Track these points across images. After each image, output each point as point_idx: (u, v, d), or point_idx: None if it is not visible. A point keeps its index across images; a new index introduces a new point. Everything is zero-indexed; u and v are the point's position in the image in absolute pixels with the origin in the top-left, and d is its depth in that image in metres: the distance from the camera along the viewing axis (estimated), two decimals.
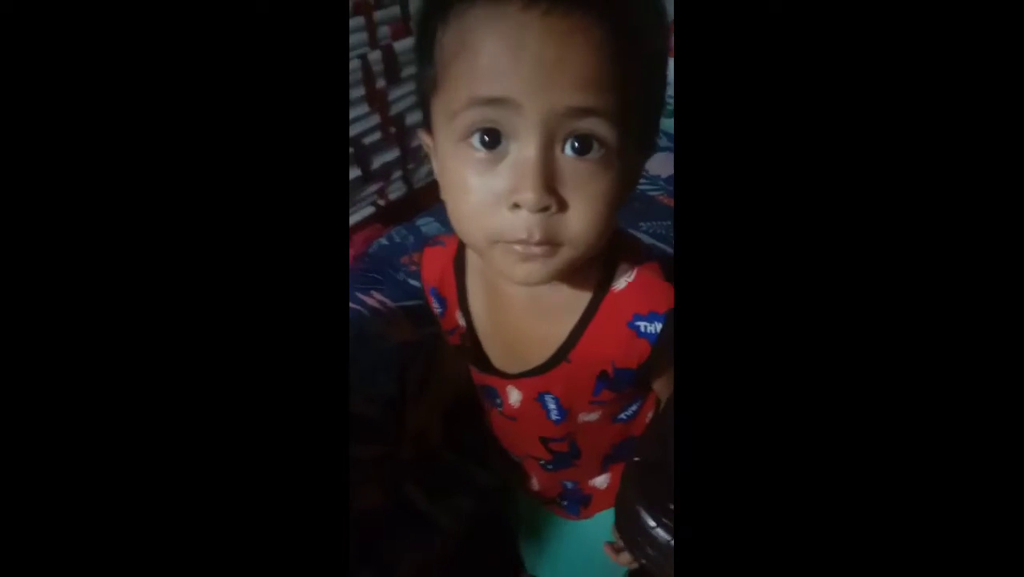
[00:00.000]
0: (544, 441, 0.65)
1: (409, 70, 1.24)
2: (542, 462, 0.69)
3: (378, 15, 1.15)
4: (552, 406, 0.61)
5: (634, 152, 0.44)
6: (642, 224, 1.17)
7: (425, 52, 0.42)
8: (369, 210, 1.28)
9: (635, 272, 0.54)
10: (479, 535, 0.77)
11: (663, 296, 0.53)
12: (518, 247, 0.42)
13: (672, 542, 0.47)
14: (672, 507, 0.48)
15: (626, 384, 0.57)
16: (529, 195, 0.39)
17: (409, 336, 0.93)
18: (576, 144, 0.40)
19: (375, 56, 1.17)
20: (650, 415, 0.67)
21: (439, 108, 0.42)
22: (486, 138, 0.40)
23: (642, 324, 0.53)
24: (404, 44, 1.21)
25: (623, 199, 0.45)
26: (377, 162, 1.26)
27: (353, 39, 1.13)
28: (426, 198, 1.30)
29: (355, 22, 1.12)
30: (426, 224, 1.19)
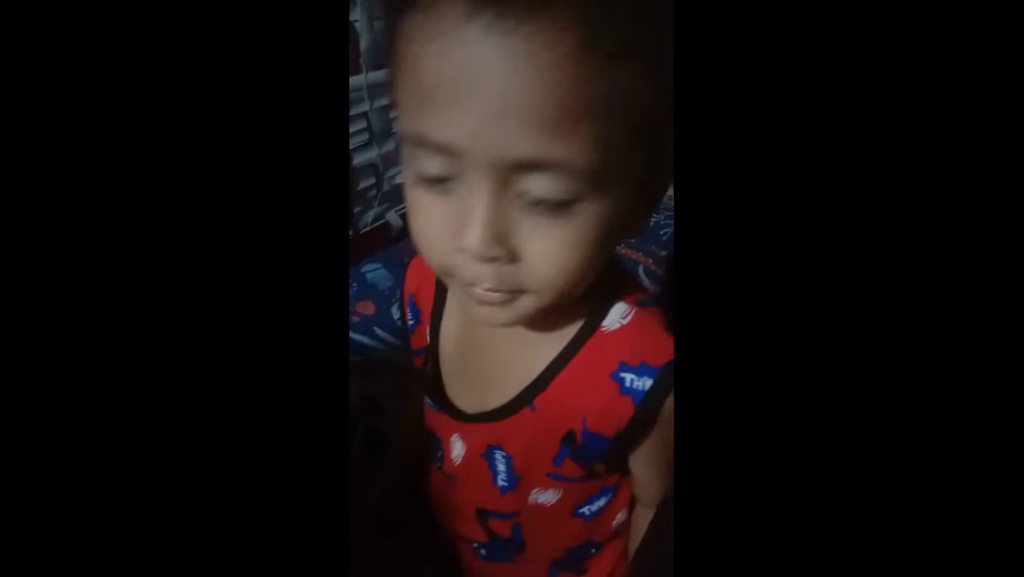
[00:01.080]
0: (482, 515, 0.53)
1: (359, 107, 1.17)
2: (475, 545, 0.56)
3: None
4: (502, 467, 0.49)
5: (626, 189, 0.35)
6: None
7: (385, 52, 0.35)
8: None
9: (633, 313, 0.44)
10: None
11: (661, 347, 0.43)
12: (472, 289, 0.36)
13: None
14: None
15: (595, 457, 0.47)
16: (471, 245, 0.33)
17: (352, 395, 0.83)
18: (532, 204, 0.32)
19: None
20: (620, 517, 0.54)
21: (400, 121, 0.35)
22: (433, 185, 0.34)
23: (628, 377, 0.43)
24: (353, 81, 1.14)
25: (608, 245, 0.36)
26: None
27: None
28: (372, 243, 1.22)
29: None
30: (372, 271, 1.11)
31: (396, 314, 1.05)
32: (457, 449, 0.51)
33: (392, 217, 1.29)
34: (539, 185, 0.31)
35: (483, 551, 0.57)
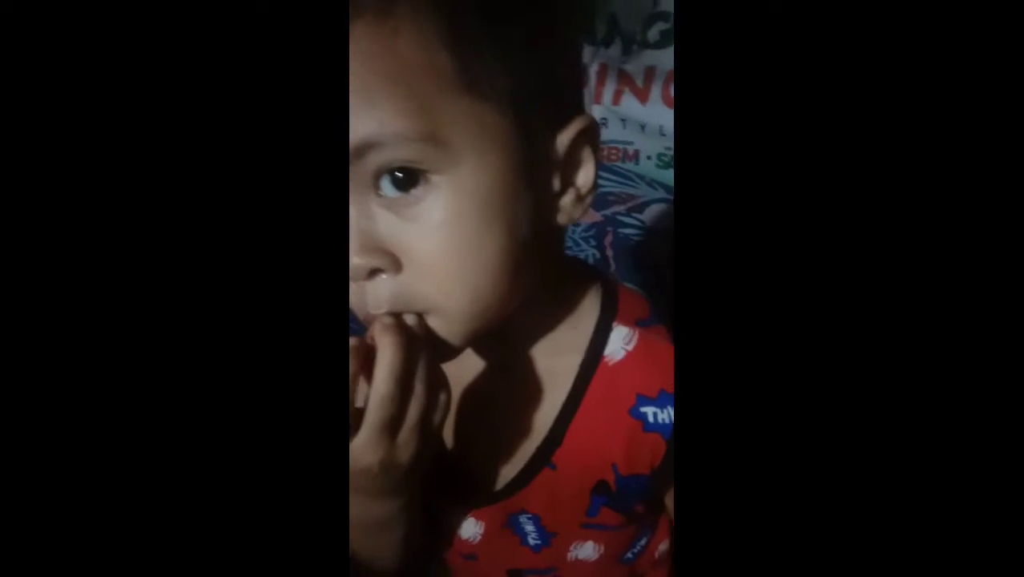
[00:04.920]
0: (517, 575, 0.48)
1: None
2: None
3: None
4: (530, 528, 0.45)
5: (485, 160, 0.31)
6: None
7: None
8: None
9: (636, 336, 0.40)
10: None
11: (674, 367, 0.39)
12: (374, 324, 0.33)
13: None
14: None
15: (634, 499, 0.42)
16: (352, 263, 0.31)
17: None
18: (395, 182, 0.30)
19: None
20: (662, 547, 0.50)
21: None
22: None
23: (650, 411, 0.39)
24: None
25: (502, 228, 0.32)
26: None
27: None
28: None
29: None
30: None
31: None
32: (470, 529, 0.46)
33: None
34: (377, 159, 0.30)
35: None
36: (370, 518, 0.38)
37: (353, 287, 0.32)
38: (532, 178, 0.33)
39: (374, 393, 0.32)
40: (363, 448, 0.33)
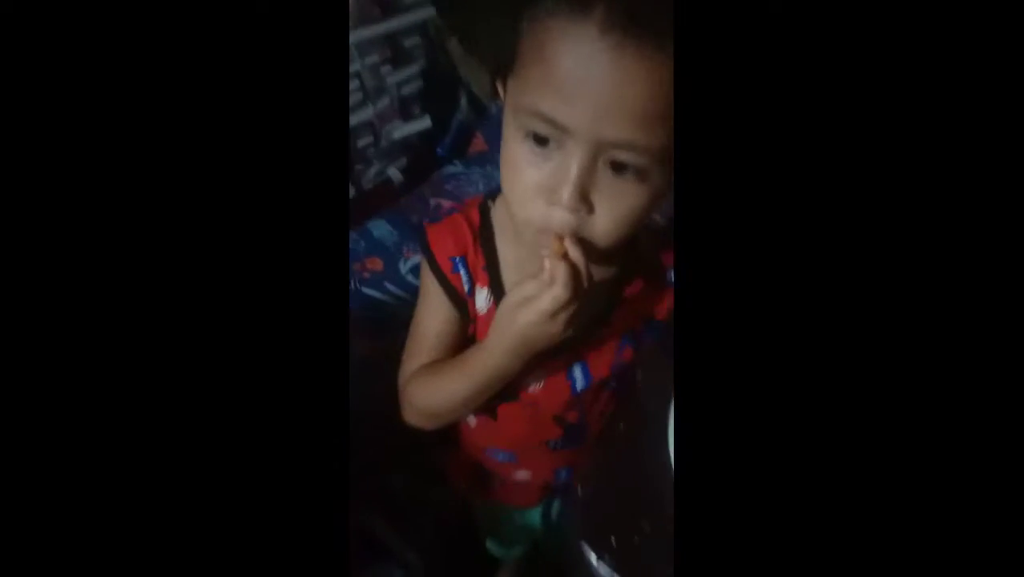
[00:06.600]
0: (559, 418, 0.63)
1: (350, 67, 1.19)
2: (551, 442, 0.66)
3: None
4: (578, 375, 0.59)
5: (669, 172, 0.45)
6: None
7: (507, 30, 0.45)
8: None
9: None
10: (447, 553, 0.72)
11: None
12: (545, 236, 0.45)
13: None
14: (614, 542, 0.49)
15: (652, 337, 0.58)
16: (565, 199, 0.43)
17: (366, 351, 0.87)
18: (613, 166, 0.43)
19: None
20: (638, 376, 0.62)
21: (512, 88, 0.45)
22: (538, 142, 0.44)
23: (672, 275, 0.56)
24: (359, 34, 1.15)
25: (651, 208, 0.47)
26: None
27: None
28: (375, 200, 1.25)
29: None
30: (377, 227, 1.14)
31: (404, 270, 1.08)
32: (536, 384, 0.60)
33: (393, 173, 1.32)
34: (623, 156, 0.42)
35: (559, 444, 0.66)
36: (511, 372, 0.52)
37: (547, 206, 0.44)
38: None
39: (557, 295, 0.45)
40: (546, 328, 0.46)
